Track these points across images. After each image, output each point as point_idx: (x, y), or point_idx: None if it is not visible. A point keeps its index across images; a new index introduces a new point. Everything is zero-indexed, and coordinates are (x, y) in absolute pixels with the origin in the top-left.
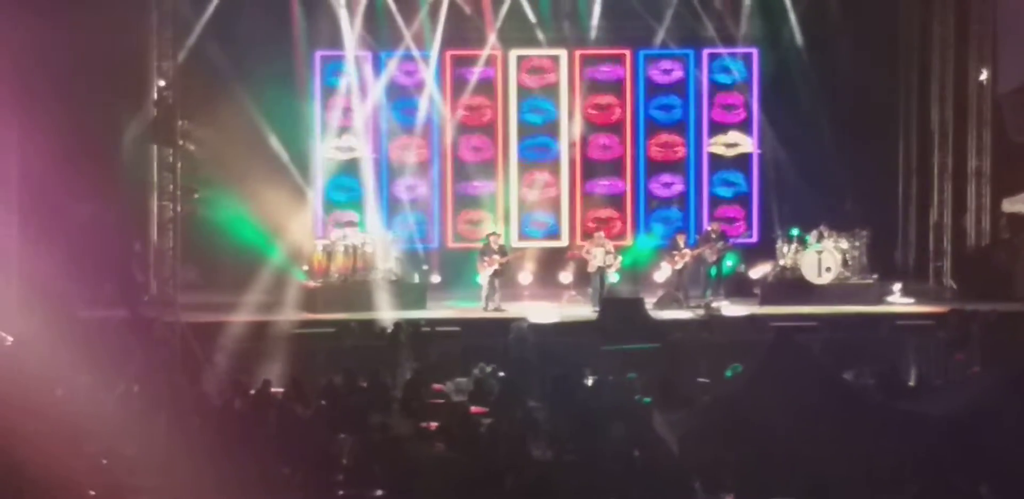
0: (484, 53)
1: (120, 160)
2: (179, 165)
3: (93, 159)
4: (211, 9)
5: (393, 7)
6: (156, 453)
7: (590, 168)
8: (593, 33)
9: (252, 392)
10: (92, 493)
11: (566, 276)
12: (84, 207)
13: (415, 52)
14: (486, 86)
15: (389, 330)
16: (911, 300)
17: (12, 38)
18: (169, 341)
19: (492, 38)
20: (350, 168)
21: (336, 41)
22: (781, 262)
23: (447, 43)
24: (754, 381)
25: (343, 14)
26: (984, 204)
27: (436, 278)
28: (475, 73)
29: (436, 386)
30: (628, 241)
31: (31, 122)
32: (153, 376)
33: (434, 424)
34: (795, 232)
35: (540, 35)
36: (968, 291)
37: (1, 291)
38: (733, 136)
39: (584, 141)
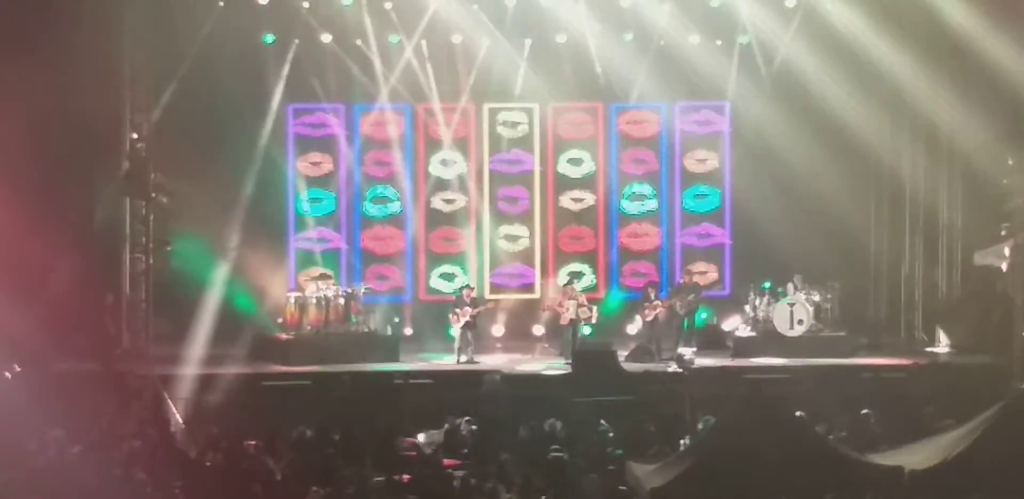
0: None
1: (93, 212)
2: (152, 217)
3: (66, 212)
4: (184, 62)
5: (375, 61)
6: None
7: (562, 220)
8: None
9: (224, 445)
10: None
11: (539, 328)
12: (56, 259)
13: (388, 105)
14: (459, 139)
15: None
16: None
17: None
18: (142, 394)
19: (466, 92)
20: (323, 221)
21: (309, 94)
22: (753, 314)
23: (419, 96)
24: (727, 433)
25: (318, 67)
26: (955, 258)
27: (408, 330)
28: (449, 126)
29: (408, 439)
30: (600, 294)
31: (3, 176)
32: (125, 429)
33: (407, 477)
34: (767, 284)
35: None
36: (940, 344)
37: None
38: (705, 189)
39: (556, 193)
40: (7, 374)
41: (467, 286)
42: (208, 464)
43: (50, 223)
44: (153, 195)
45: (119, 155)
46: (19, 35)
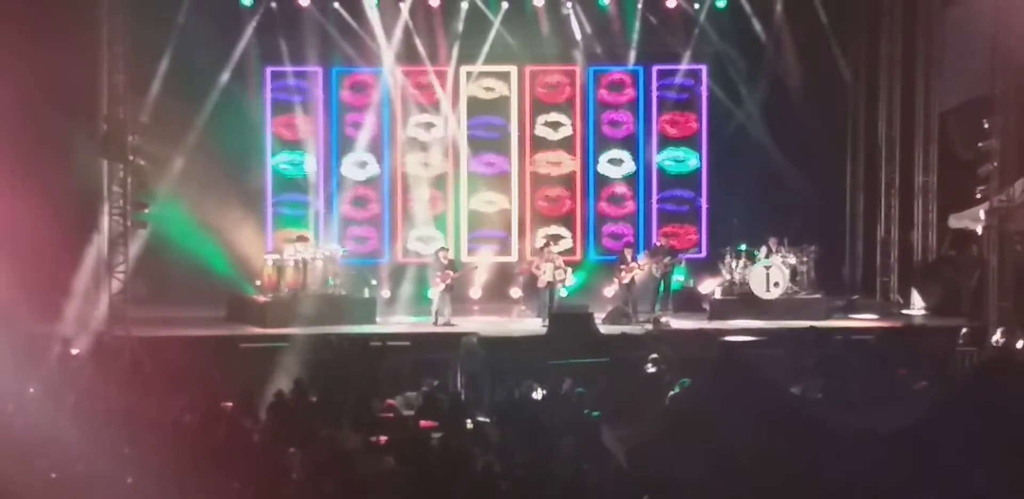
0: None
1: (71, 175)
2: (129, 180)
3: (44, 174)
4: (163, 25)
5: (353, 24)
6: (106, 468)
7: (539, 183)
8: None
9: (202, 406)
10: None
11: (516, 291)
12: (36, 222)
13: (366, 68)
14: (436, 102)
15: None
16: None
17: None
18: (120, 355)
19: (443, 55)
20: (300, 182)
21: (287, 57)
22: (729, 277)
23: (397, 59)
24: (702, 396)
25: (295, 30)
26: (931, 220)
27: (385, 293)
28: (426, 89)
29: (389, 401)
30: (578, 257)
31: None
32: (103, 391)
33: (384, 438)
34: (743, 247)
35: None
36: (915, 306)
37: None
38: (681, 152)
39: (533, 156)
40: None
41: (443, 248)
42: (185, 425)
43: (28, 185)
44: (131, 157)
45: (97, 117)
46: None
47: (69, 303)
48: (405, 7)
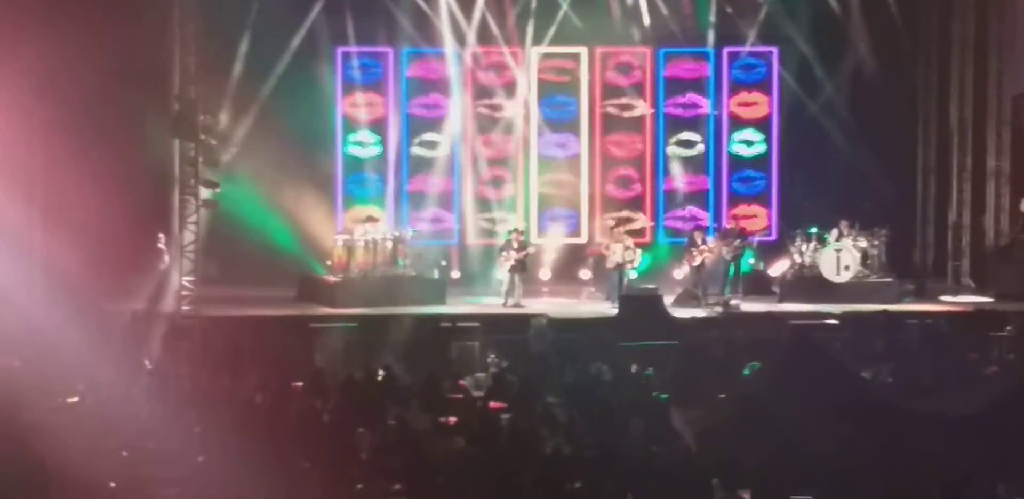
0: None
1: (143, 154)
2: (200, 159)
3: (116, 154)
4: (236, 5)
5: (424, 5)
6: (177, 446)
7: (609, 165)
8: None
9: (273, 386)
10: (112, 485)
11: (585, 272)
12: (108, 201)
13: (436, 49)
14: (507, 83)
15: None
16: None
17: (36, 38)
18: (191, 335)
19: (514, 36)
20: (370, 164)
21: (358, 38)
22: (799, 260)
23: (467, 40)
24: (772, 379)
25: (365, 11)
26: (1003, 204)
27: (456, 274)
28: (497, 70)
29: (460, 382)
30: (647, 238)
31: (55, 118)
32: (174, 370)
33: (453, 419)
34: (813, 230)
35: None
36: (987, 291)
37: (26, 285)
38: (752, 134)
39: (604, 138)
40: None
41: (516, 230)
42: (256, 405)
43: (101, 165)
44: (202, 137)
45: (169, 97)
46: None
47: (141, 282)
48: None
